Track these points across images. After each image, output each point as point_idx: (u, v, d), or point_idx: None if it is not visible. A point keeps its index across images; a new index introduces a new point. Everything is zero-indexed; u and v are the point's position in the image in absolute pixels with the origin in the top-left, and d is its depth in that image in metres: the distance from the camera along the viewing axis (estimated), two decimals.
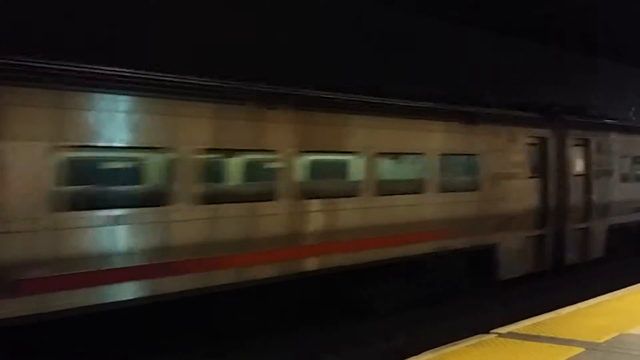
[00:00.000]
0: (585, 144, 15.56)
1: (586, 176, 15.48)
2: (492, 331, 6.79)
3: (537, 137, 14.09)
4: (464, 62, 18.62)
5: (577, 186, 15.14)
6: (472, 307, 12.00)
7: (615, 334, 6.49)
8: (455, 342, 6.45)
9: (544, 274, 14.05)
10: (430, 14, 17.28)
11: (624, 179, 16.96)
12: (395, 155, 11.07)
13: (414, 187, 11.18)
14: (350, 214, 10.11)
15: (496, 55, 20.60)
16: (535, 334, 6.65)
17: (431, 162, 11.45)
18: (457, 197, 11.94)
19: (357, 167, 10.32)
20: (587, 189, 15.46)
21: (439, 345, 6.33)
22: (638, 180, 17.62)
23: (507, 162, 13.19)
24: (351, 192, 10.20)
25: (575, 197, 15.01)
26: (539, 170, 14.11)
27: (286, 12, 14.06)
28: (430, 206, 11.39)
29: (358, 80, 11.74)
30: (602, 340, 6.27)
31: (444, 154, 11.71)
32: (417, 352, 6.16)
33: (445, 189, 11.63)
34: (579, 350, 5.96)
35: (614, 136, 16.70)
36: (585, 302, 8.26)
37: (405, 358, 5.98)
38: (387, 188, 10.62)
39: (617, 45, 26.08)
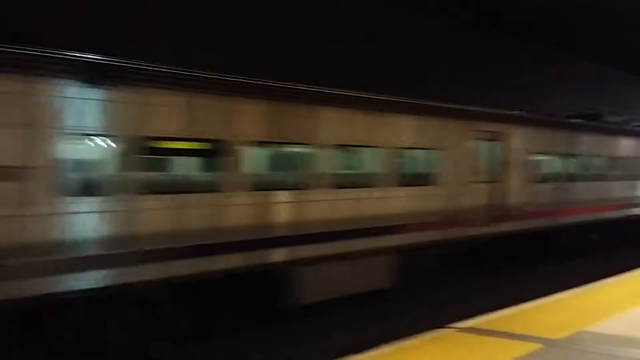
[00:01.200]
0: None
1: None
2: (450, 325, 6.71)
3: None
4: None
5: None
6: (431, 302, 12.01)
7: (574, 331, 6.46)
8: (414, 336, 6.36)
9: None
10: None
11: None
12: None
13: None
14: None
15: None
16: (494, 329, 6.58)
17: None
18: None
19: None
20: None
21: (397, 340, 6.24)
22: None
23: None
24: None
25: None
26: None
27: None
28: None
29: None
30: (560, 337, 6.23)
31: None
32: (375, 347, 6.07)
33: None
34: (536, 346, 5.91)
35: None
36: (545, 298, 8.25)
37: (363, 351, 5.88)
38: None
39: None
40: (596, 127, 18.63)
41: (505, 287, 13.46)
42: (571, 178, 17.09)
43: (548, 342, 6.04)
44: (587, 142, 17.93)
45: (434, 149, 12.70)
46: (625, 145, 19.73)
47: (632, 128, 20.70)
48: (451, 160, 13.07)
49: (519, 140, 15.16)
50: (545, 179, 16.20)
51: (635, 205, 20.02)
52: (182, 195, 8.77)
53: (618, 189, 19.14)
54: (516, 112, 15.71)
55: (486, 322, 6.87)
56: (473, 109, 14.00)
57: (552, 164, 16.88)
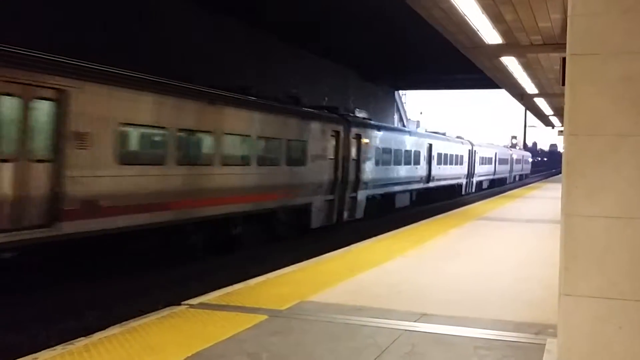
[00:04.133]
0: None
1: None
2: (183, 302, 6.86)
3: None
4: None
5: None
6: (168, 281, 12.04)
7: (296, 302, 7.02)
8: (145, 315, 6.38)
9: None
10: None
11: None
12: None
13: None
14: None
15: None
16: (225, 303, 6.89)
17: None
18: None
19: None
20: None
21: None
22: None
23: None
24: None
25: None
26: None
27: None
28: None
29: None
30: (283, 308, 6.73)
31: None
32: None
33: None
34: (263, 317, 6.32)
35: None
36: (273, 272, 8.81)
37: (94, 333, 5.74)
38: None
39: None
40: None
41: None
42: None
43: (273, 313, 6.49)
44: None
45: None
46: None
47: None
48: None
49: (92, 102, 10.95)
50: (139, 159, 12.28)
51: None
52: None
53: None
54: (86, 63, 11.13)
55: (217, 298, 7.15)
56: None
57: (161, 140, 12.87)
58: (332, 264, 9.60)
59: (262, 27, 27.87)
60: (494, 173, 54.15)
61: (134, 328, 5.86)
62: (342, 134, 20.80)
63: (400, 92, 57.69)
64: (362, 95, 42.57)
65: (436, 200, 34.02)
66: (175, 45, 22.48)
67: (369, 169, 23.28)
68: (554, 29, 11.26)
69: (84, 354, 5.09)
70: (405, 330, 5.97)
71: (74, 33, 17.62)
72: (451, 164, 37.45)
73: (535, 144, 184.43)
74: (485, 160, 49.13)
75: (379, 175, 24.65)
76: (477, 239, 13.03)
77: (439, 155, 34.05)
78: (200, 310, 6.55)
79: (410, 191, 30.11)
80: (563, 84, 5.23)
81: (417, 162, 29.95)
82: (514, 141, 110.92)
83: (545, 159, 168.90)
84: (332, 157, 20.19)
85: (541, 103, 25.17)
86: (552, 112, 29.24)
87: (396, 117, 54.45)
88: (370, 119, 25.17)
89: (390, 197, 26.88)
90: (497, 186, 53.79)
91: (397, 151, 26.95)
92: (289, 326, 6.05)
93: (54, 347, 5.30)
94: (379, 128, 25.29)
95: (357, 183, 22.14)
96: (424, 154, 31.00)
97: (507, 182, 61.66)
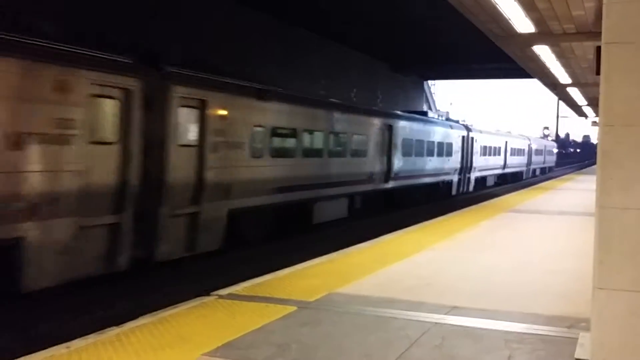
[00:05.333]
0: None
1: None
2: (212, 293, 6.90)
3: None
4: None
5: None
6: (195, 272, 12.14)
7: (325, 293, 7.02)
8: (175, 305, 6.44)
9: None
10: None
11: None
12: None
13: None
14: None
15: None
16: (254, 294, 6.92)
17: None
18: None
19: None
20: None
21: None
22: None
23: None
24: None
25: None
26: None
27: None
28: None
29: None
30: (312, 299, 6.74)
31: None
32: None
33: None
34: (292, 308, 6.34)
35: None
36: (301, 264, 8.82)
37: (123, 323, 5.81)
38: None
39: None
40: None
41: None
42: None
43: (302, 304, 6.50)
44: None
45: None
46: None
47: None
48: None
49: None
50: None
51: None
52: None
53: None
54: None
55: (246, 289, 7.18)
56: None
57: None
58: (361, 256, 9.58)
59: (287, 18, 27.79)
60: (504, 166, 43.86)
61: (165, 318, 5.92)
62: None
63: (430, 82, 57.25)
64: (390, 86, 42.26)
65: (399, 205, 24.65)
66: (203, 35, 22.51)
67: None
68: (587, 17, 11.03)
69: (115, 343, 5.16)
70: (436, 322, 5.93)
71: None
72: (429, 155, 27.63)
73: (567, 135, 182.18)
74: (490, 151, 38.88)
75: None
76: (508, 231, 12.90)
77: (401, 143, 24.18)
78: (230, 301, 6.59)
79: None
80: (597, 74, 5.12)
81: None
82: (546, 132, 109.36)
83: (578, 150, 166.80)
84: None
85: (574, 93, 24.73)
86: (585, 103, 28.70)
87: (425, 107, 54.07)
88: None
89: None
90: (510, 182, 44.55)
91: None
92: (318, 317, 6.05)
93: (86, 337, 5.38)
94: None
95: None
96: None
97: (524, 177, 51.42)
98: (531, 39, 13.18)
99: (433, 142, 27.82)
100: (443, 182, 29.88)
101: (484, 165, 37.09)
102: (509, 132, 51.64)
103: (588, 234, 7.70)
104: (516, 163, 47.90)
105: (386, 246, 10.53)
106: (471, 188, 34.16)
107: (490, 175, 40.10)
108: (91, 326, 7.73)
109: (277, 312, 6.19)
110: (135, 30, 18.38)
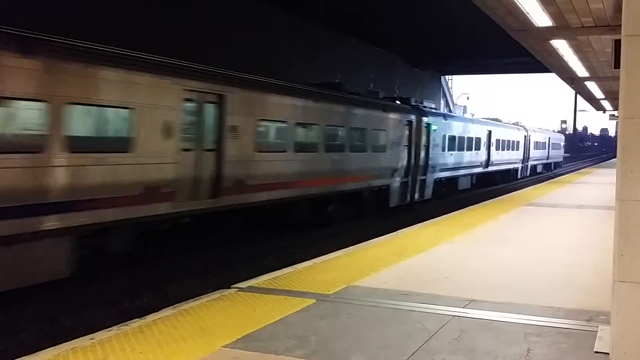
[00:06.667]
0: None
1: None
2: (233, 286, 6.97)
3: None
4: None
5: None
6: (218, 264, 12.24)
7: (344, 286, 7.07)
8: (197, 298, 6.52)
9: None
10: None
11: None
12: None
13: None
14: None
15: None
16: (273, 287, 6.98)
17: None
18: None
19: None
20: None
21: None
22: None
23: None
24: None
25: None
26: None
27: None
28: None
29: None
30: (331, 292, 6.79)
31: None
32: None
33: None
34: (311, 301, 6.39)
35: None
36: (320, 258, 8.87)
37: (146, 315, 5.91)
38: None
39: None
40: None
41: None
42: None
43: (321, 297, 6.55)
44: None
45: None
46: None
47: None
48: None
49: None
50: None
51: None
52: None
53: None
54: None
55: (266, 282, 7.25)
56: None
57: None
58: (379, 249, 9.61)
59: (306, 14, 27.81)
60: (487, 164, 33.26)
61: (186, 310, 6.00)
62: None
63: (447, 76, 56.98)
64: (407, 81, 42.14)
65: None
66: (221, 33, 22.63)
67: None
68: (605, 10, 10.93)
69: (138, 335, 5.24)
70: (454, 316, 5.96)
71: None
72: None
73: (585, 129, 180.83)
74: (459, 144, 28.18)
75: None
76: (526, 224, 12.86)
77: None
78: (250, 294, 6.65)
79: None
80: (615, 67, 5.10)
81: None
82: (564, 125, 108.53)
83: (596, 144, 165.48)
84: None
85: (592, 87, 24.52)
86: (603, 96, 28.44)
87: (442, 102, 53.82)
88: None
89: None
90: (499, 184, 35.18)
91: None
92: (337, 310, 6.10)
93: (110, 328, 5.47)
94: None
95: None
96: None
97: (519, 176, 41.45)
98: (549, 33, 13.09)
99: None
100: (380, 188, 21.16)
101: (447, 163, 26.65)
102: (497, 120, 40.74)
103: (606, 228, 7.67)
104: (506, 159, 37.28)
105: (404, 239, 10.55)
106: (427, 195, 24.48)
107: (463, 176, 29.84)
108: (115, 318, 7.89)
109: (297, 304, 6.25)
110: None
